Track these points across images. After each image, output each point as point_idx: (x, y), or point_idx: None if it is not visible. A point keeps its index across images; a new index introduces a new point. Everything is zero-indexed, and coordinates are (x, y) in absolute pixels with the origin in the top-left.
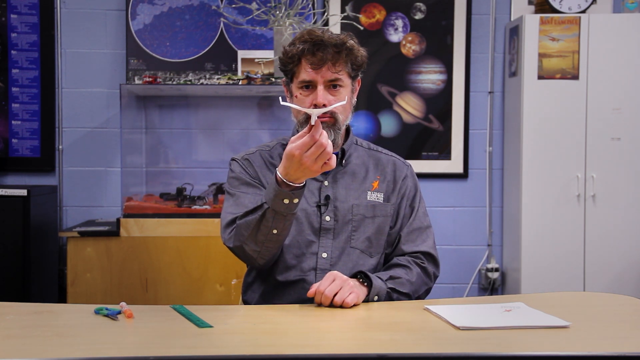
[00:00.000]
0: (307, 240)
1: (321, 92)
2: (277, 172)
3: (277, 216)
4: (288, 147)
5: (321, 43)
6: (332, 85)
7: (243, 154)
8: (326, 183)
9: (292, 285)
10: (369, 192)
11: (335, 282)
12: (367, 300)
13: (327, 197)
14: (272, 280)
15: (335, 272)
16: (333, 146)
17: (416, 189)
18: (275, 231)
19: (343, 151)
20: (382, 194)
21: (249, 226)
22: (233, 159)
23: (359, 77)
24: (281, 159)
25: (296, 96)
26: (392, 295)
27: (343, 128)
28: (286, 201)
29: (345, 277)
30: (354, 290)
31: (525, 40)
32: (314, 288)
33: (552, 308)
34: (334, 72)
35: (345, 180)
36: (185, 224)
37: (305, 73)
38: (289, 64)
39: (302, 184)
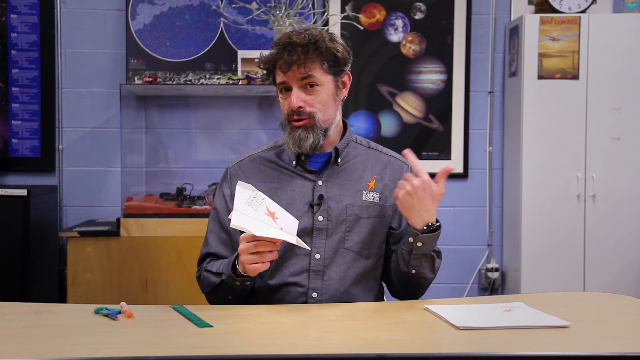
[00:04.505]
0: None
1: (294, 95)
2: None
3: (231, 289)
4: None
5: (289, 45)
6: (309, 85)
7: (235, 163)
8: (320, 182)
9: (283, 289)
10: (365, 192)
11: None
12: (417, 234)
13: (321, 197)
14: (262, 283)
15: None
16: (321, 146)
17: None
18: (230, 297)
19: (337, 150)
20: (378, 194)
21: (210, 285)
22: (227, 168)
23: (346, 71)
24: (272, 163)
25: (278, 100)
26: (422, 260)
27: (333, 127)
28: (238, 283)
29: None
30: (433, 205)
31: (525, 40)
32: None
33: (552, 308)
34: (304, 72)
35: (340, 179)
36: (185, 224)
37: (279, 76)
38: (269, 70)
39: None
